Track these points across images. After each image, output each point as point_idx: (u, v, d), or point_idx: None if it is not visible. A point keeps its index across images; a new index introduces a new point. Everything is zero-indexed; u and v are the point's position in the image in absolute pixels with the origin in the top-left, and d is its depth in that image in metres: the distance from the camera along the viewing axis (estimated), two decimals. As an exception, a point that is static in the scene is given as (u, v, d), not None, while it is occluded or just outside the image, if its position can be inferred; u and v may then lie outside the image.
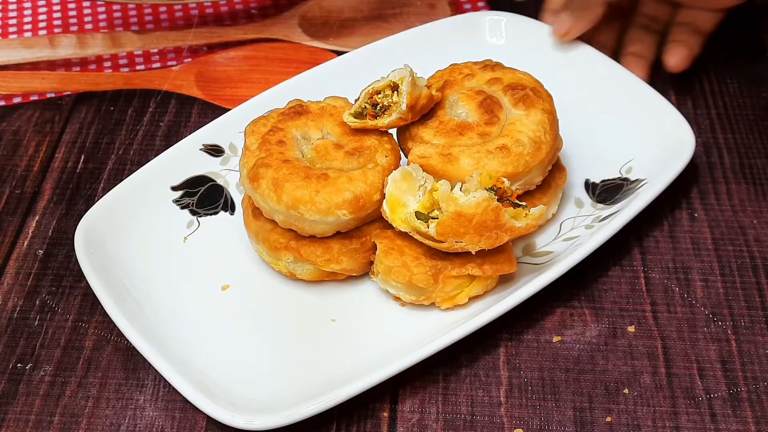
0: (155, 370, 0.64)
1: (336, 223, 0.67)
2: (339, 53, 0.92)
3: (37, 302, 0.72)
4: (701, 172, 0.80)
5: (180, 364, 0.64)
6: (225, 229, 0.75)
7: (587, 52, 0.85)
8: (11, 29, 0.98)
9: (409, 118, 0.70)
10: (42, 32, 0.98)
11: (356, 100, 0.71)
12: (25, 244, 0.76)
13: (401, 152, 0.72)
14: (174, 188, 0.77)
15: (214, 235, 0.75)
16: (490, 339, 0.68)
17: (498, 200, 0.64)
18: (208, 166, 0.78)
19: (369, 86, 0.70)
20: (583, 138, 0.80)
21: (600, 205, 0.75)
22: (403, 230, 0.66)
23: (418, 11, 0.98)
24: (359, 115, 0.70)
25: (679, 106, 0.83)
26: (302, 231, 0.68)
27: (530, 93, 0.72)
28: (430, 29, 0.88)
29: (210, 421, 0.64)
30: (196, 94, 0.90)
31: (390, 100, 0.69)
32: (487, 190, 0.65)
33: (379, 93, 0.70)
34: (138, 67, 0.93)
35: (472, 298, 0.68)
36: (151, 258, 0.72)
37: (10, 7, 1.01)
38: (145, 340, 0.64)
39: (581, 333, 0.69)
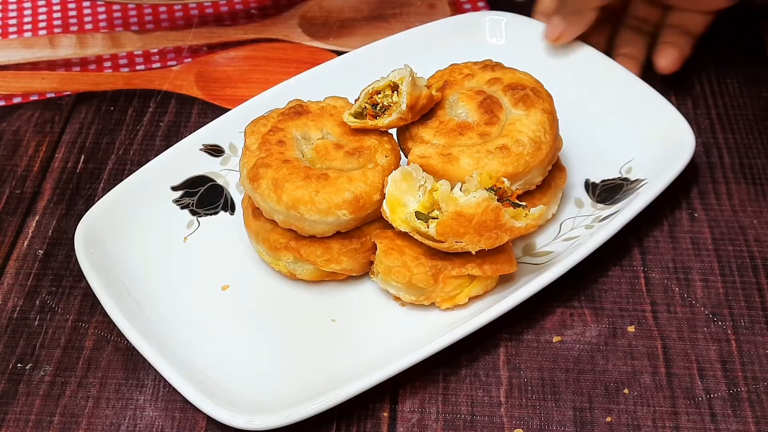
0: (155, 370, 0.64)
1: (336, 223, 0.67)
2: (339, 53, 0.92)
3: (37, 302, 0.72)
4: (701, 172, 0.80)
5: (180, 364, 0.64)
6: (225, 229, 0.75)
7: (587, 52, 0.85)
8: (11, 29, 0.98)
9: (409, 118, 0.70)
10: (42, 32, 0.98)
11: (356, 100, 0.71)
12: (25, 244, 0.76)
13: (401, 152, 0.72)
14: (174, 188, 0.77)
15: (214, 235, 0.75)
16: (490, 339, 0.68)
17: (498, 200, 0.64)
18: (208, 166, 0.78)
19: (369, 86, 0.70)
20: (583, 138, 0.80)
21: (600, 205, 0.75)
22: (403, 230, 0.66)
23: (418, 11, 0.98)
24: (359, 115, 0.70)
25: (679, 106, 0.83)
26: (302, 231, 0.68)
27: (530, 93, 0.72)
28: (430, 29, 0.88)
29: (210, 421, 0.64)
30: (196, 94, 0.90)
31: (390, 100, 0.69)
32: (487, 190, 0.65)
33: (379, 93, 0.70)
34: (138, 67, 0.93)
35: (472, 298, 0.68)
36: (151, 258, 0.72)
37: (10, 7, 1.01)
38: (145, 340, 0.64)
39: (581, 333, 0.69)
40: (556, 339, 0.68)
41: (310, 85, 0.82)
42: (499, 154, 0.68)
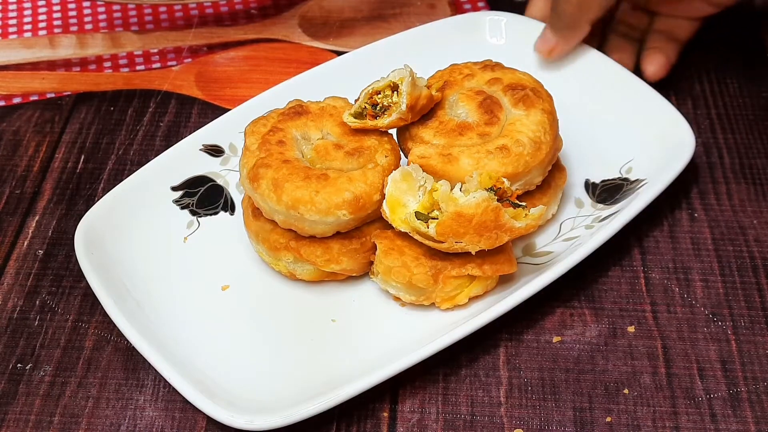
0: (155, 370, 0.64)
1: (336, 224, 0.67)
2: (339, 53, 0.92)
3: (37, 302, 0.72)
4: (701, 172, 0.80)
5: (180, 364, 0.64)
6: (225, 229, 0.75)
7: (587, 52, 0.84)
8: (11, 29, 0.98)
9: (409, 119, 0.70)
10: (42, 32, 0.98)
11: (356, 100, 0.71)
12: (25, 244, 0.76)
13: (401, 152, 0.72)
14: (174, 188, 0.77)
15: (214, 235, 0.75)
16: (490, 339, 0.68)
17: (498, 200, 0.64)
18: (208, 166, 0.78)
19: (369, 86, 0.70)
20: (583, 138, 0.80)
21: (600, 206, 0.75)
22: (403, 230, 0.66)
23: (418, 11, 0.98)
24: (359, 115, 0.70)
25: (679, 106, 0.83)
26: (302, 231, 0.68)
27: (530, 93, 0.72)
28: (430, 29, 0.88)
29: (210, 421, 0.64)
30: (196, 94, 0.90)
31: (390, 101, 0.69)
32: (487, 190, 0.65)
33: (379, 93, 0.70)
34: (138, 67, 0.93)
35: (472, 298, 0.68)
36: (151, 258, 0.72)
37: (10, 7, 1.01)
38: (145, 340, 0.64)
39: (581, 333, 0.69)
40: (556, 339, 0.68)
41: (310, 85, 0.82)
42: (499, 155, 0.68)
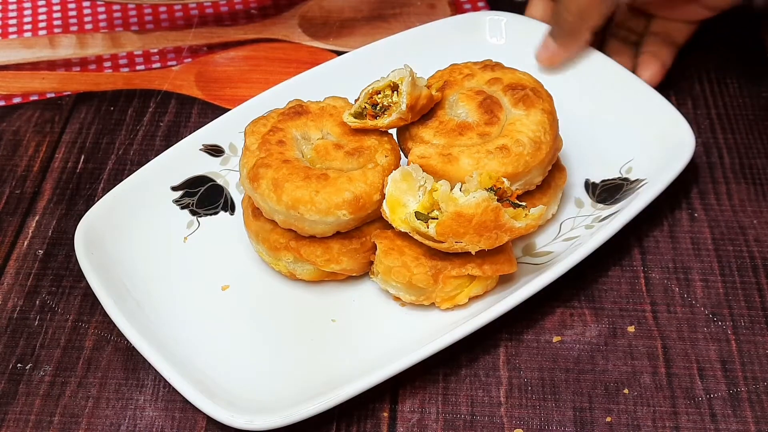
0: (155, 370, 0.64)
1: (336, 223, 0.67)
2: (339, 53, 0.92)
3: (37, 302, 0.72)
4: (701, 172, 0.80)
5: (180, 364, 0.64)
6: (225, 229, 0.75)
7: (587, 52, 0.84)
8: (11, 29, 0.98)
9: (409, 118, 0.70)
10: (42, 32, 0.98)
11: (356, 100, 0.71)
12: (25, 244, 0.76)
13: (401, 152, 0.72)
14: (174, 188, 0.77)
15: (214, 235, 0.75)
16: (490, 339, 0.68)
17: (498, 200, 0.64)
18: (208, 166, 0.78)
19: (369, 86, 0.70)
20: (583, 138, 0.80)
21: (600, 205, 0.75)
22: (403, 230, 0.66)
23: (418, 11, 0.98)
24: (359, 115, 0.70)
25: (679, 106, 0.83)
26: (302, 231, 0.68)
27: (530, 93, 0.72)
28: (430, 29, 0.88)
29: (210, 421, 0.64)
30: (196, 94, 0.90)
31: (390, 100, 0.69)
32: (487, 190, 0.65)
33: (379, 93, 0.70)
34: (138, 67, 0.93)
35: (472, 298, 0.68)
36: (151, 258, 0.72)
37: (10, 7, 1.01)
38: (145, 340, 0.64)
39: (581, 333, 0.69)
40: (556, 339, 0.68)
41: (310, 85, 0.82)
42: (499, 154, 0.68)
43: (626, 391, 0.65)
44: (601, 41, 0.88)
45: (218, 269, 0.72)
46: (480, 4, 0.99)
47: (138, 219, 0.74)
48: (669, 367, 0.66)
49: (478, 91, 0.73)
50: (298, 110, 0.71)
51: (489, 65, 0.75)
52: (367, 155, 0.69)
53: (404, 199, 0.66)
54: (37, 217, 0.78)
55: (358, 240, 0.69)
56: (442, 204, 0.64)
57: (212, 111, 0.87)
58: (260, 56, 0.94)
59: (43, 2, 1.02)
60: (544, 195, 0.73)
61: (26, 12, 1.01)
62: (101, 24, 0.99)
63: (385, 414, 0.64)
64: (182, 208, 0.76)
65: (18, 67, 0.93)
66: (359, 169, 0.68)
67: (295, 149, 0.69)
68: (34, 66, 0.93)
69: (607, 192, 0.76)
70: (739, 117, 0.85)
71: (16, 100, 0.89)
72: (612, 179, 0.77)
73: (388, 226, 0.68)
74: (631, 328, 0.69)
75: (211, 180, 0.78)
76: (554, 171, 0.74)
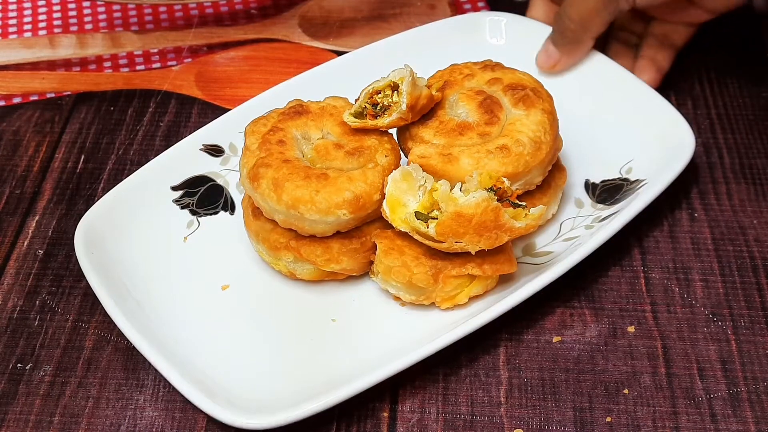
0: (155, 370, 0.64)
1: (336, 223, 0.67)
2: (339, 53, 0.92)
3: (37, 302, 0.72)
4: (701, 172, 0.80)
5: (180, 364, 0.64)
6: (225, 229, 0.75)
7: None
8: (11, 29, 0.98)
9: (409, 118, 0.70)
10: (42, 32, 0.98)
11: (356, 100, 0.71)
12: (25, 244, 0.76)
13: (401, 152, 0.72)
14: (174, 188, 0.77)
15: (214, 235, 0.75)
16: (490, 339, 0.68)
17: (498, 200, 0.64)
18: (208, 166, 0.78)
19: (369, 86, 0.70)
20: (583, 138, 0.80)
21: (600, 206, 0.75)
22: (403, 230, 0.66)
23: (418, 11, 0.99)
24: (359, 115, 0.70)
25: (679, 106, 0.83)
26: (302, 231, 0.68)
27: (530, 93, 0.72)
28: (430, 29, 0.88)
29: (210, 421, 0.64)
30: (196, 94, 0.90)
31: (390, 100, 0.69)
32: (486, 190, 0.65)
33: (379, 93, 0.70)
34: (138, 67, 0.93)
35: (472, 298, 0.68)
36: (151, 258, 0.72)
37: (10, 7, 1.01)
38: (145, 340, 0.64)
39: (581, 333, 0.69)
40: (556, 339, 0.68)
41: (310, 85, 0.82)
42: (499, 154, 0.68)
43: (626, 391, 0.65)
44: (603, 44, 0.88)
45: (218, 269, 0.72)
46: (480, 4, 0.99)
47: (138, 219, 0.74)
48: (669, 367, 0.66)
49: (478, 91, 0.73)
50: (298, 110, 0.71)
51: (489, 65, 0.75)
52: (368, 155, 0.69)
53: (404, 198, 0.66)
54: (37, 217, 0.78)
55: (358, 240, 0.69)
56: (442, 204, 0.64)
57: (212, 111, 0.87)
58: (260, 56, 0.94)
59: (43, 2, 1.02)
60: (544, 195, 0.73)
61: (26, 12, 1.01)
62: (101, 24, 0.99)
63: (385, 414, 0.64)
64: (182, 207, 0.76)
65: (18, 67, 0.93)
66: (359, 168, 0.68)
67: (295, 149, 0.69)
68: (34, 66, 0.93)
69: (607, 192, 0.76)
70: (739, 117, 0.85)
71: (16, 100, 0.89)
72: (612, 179, 0.77)
73: (388, 226, 0.68)
74: (631, 328, 0.69)
75: (211, 180, 0.78)
76: (554, 171, 0.74)
